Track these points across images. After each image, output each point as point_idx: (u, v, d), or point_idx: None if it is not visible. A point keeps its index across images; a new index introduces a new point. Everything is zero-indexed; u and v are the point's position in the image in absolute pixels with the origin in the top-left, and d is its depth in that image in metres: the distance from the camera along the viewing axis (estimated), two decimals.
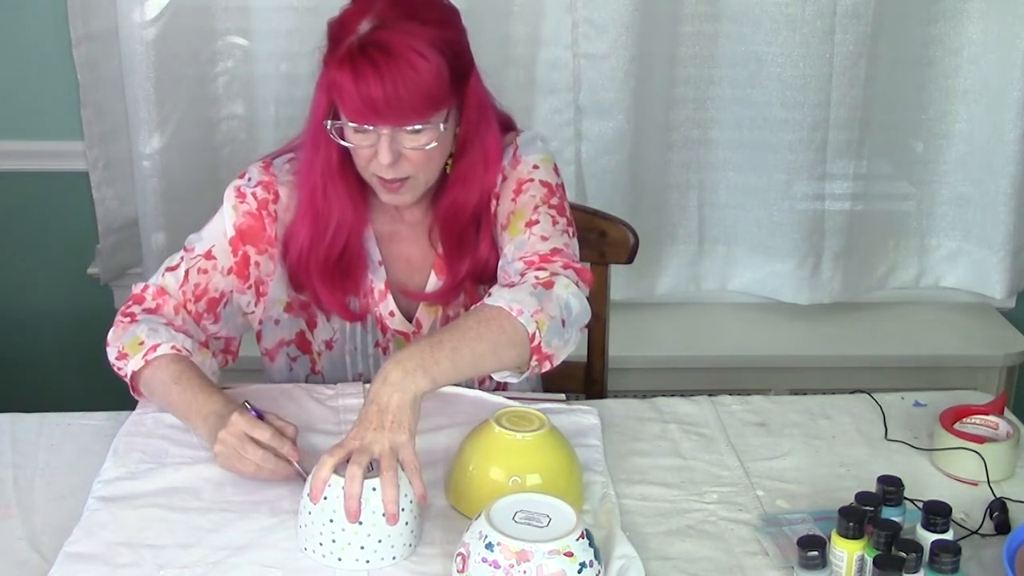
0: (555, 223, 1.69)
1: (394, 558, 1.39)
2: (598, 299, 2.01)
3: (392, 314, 1.78)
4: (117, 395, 2.34)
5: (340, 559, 1.38)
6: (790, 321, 2.74)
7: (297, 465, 1.50)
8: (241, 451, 1.50)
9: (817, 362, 2.66)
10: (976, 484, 1.59)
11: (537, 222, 1.68)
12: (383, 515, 1.37)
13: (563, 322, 1.57)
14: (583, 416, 1.72)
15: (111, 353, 1.69)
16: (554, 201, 1.72)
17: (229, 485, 1.53)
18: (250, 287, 1.75)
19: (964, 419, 1.67)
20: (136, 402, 1.74)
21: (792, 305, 2.71)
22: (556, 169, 1.77)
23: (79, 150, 2.57)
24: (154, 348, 1.63)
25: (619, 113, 2.51)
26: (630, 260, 2.00)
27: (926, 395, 1.83)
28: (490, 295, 1.58)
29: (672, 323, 2.75)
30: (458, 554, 1.31)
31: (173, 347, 1.64)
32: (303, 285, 1.76)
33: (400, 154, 1.60)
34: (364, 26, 1.56)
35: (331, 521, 1.37)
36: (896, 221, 2.73)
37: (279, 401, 1.72)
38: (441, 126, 1.61)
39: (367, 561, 1.38)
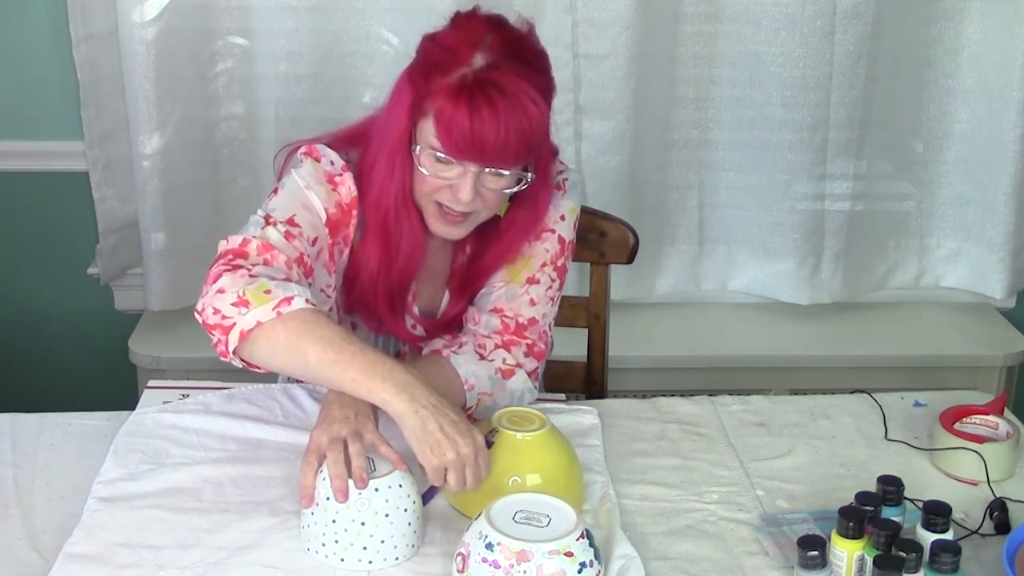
0: (549, 288, 1.74)
1: (396, 559, 1.39)
2: (598, 299, 2.02)
3: (414, 326, 1.77)
4: (117, 395, 2.35)
5: (343, 559, 1.38)
6: (790, 321, 2.75)
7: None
8: (472, 467, 1.42)
9: (817, 362, 2.66)
10: (976, 484, 1.59)
11: (537, 282, 1.73)
12: (386, 515, 1.37)
13: (506, 407, 1.64)
14: (583, 416, 1.72)
15: (224, 300, 1.45)
16: (560, 262, 1.75)
17: (229, 486, 1.53)
18: (335, 272, 1.68)
19: (964, 419, 1.67)
20: (136, 402, 1.74)
21: (792, 305, 2.71)
22: (576, 222, 1.79)
23: (79, 150, 2.57)
24: (287, 301, 1.44)
25: (619, 113, 2.52)
26: (630, 260, 2.00)
27: (926, 395, 1.83)
28: (460, 347, 1.66)
29: (672, 323, 2.75)
30: (458, 554, 1.31)
31: (307, 301, 1.46)
32: (365, 309, 1.71)
33: (476, 192, 1.58)
34: (479, 60, 1.52)
35: (333, 522, 1.37)
36: (896, 221, 2.73)
37: (280, 401, 1.73)
38: (529, 175, 1.61)
39: (370, 561, 1.38)
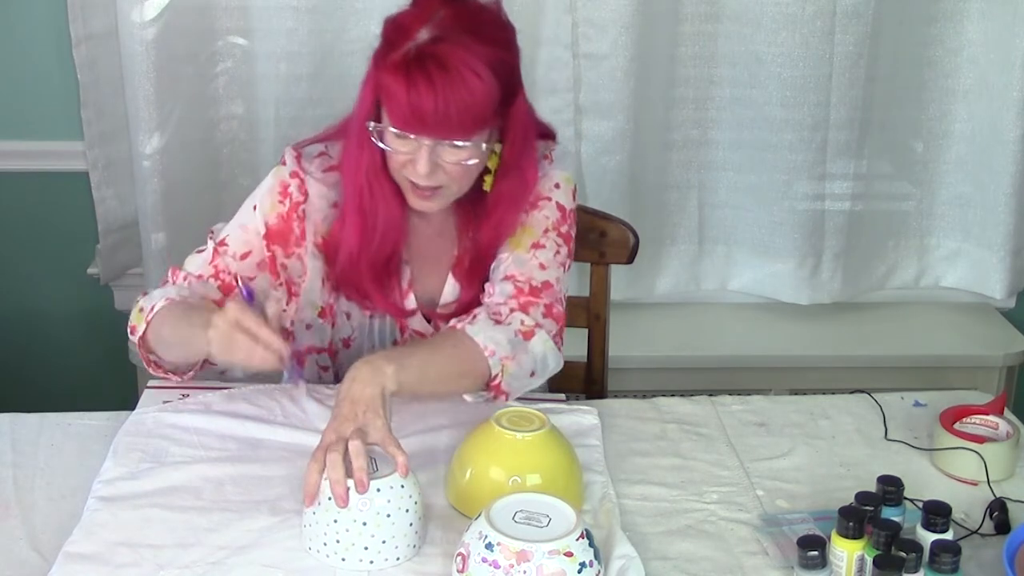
0: (557, 253, 1.73)
1: (398, 559, 1.39)
2: (598, 299, 2.02)
3: (413, 312, 1.78)
4: (117, 395, 2.35)
5: (344, 559, 1.38)
6: (790, 321, 2.74)
7: (284, 350, 1.49)
8: (231, 336, 1.49)
9: (817, 362, 2.66)
10: (976, 484, 1.59)
11: (543, 247, 1.72)
12: (388, 516, 1.37)
13: (532, 372, 1.64)
14: (583, 416, 1.72)
15: (130, 333, 1.70)
16: (564, 229, 1.75)
17: (229, 485, 1.53)
18: (281, 284, 1.74)
19: (964, 419, 1.67)
20: (136, 402, 1.74)
21: (792, 305, 2.71)
22: (575, 192, 1.79)
23: (79, 150, 2.57)
24: (151, 309, 1.64)
25: (619, 113, 2.51)
26: (630, 260, 2.00)
27: (926, 395, 1.83)
28: (474, 319, 1.63)
29: (672, 323, 2.75)
30: (458, 554, 1.31)
31: (166, 299, 1.63)
32: (351, 286, 1.74)
33: (437, 165, 1.60)
34: (423, 34, 1.54)
35: (335, 521, 1.37)
36: (896, 221, 2.73)
37: (280, 401, 1.73)
38: (483, 145, 1.61)
39: (371, 562, 1.38)
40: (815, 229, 2.63)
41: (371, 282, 1.72)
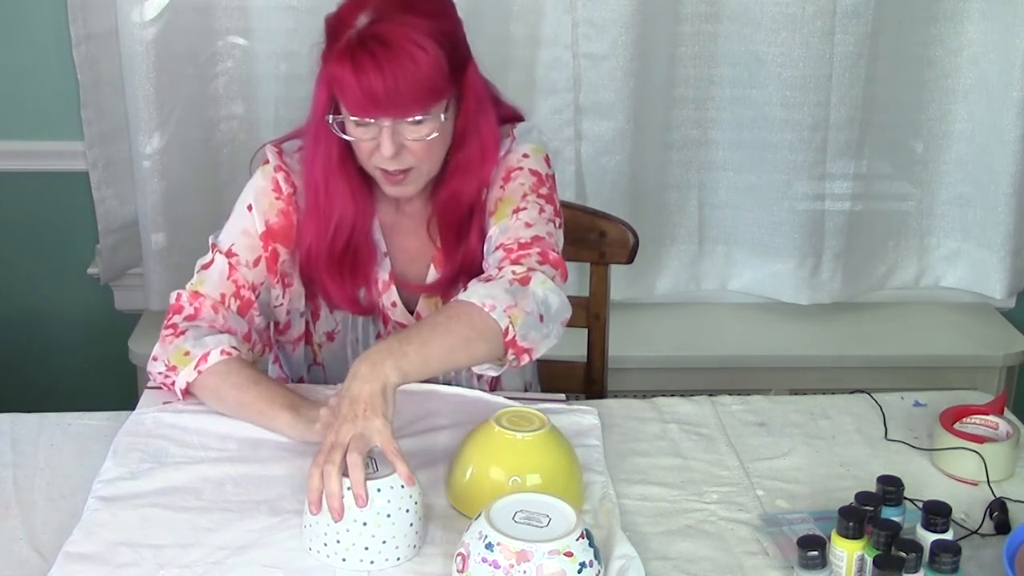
0: (542, 211, 1.71)
1: (398, 559, 1.39)
2: (598, 299, 2.02)
3: (394, 305, 1.78)
4: (117, 395, 2.35)
5: (344, 559, 1.38)
6: (790, 321, 2.75)
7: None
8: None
9: (817, 362, 2.66)
10: (976, 484, 1.59)
11: (524, 209, 1.70)
12: (388, 516, 1.37)
13: (541, 317, 1.58)
14: (583, 416, 1.72)
15: (156, 367, 1.68)
16: (543, 191, 1.73)
17: (229, 485, 1.53)
18: (278, 281, 1.75)
19: (964, 419, 1.67)
20: (136, 402, 1.74)
21: (792, 305, 2.71)
22: (547, 160, 1.78)
23: (79, 150, 2.57)
24: (204, 358, 1.63)
25: (619, 113, 2.52)
26: (630, 260, 2.00)
27: (926, 395, 1.83)
28: (465, 289, 1.60)
29: (672, 323, 2.75)
30: (458, 554, 1.31)
31: (222, 351, 1.64)
32: (312, 280, 1.77)
33: (402, 145, 1.61)
34: (362, 20, 1.57)
35: (335, 521, 1.37)
36: (896, 221, 2.73)
37: None
38: (442, 116, 1.62)
39: (371, 562, 1.38)
40: (815, 229, 2.63)
41: (328, 276, 1.73)
